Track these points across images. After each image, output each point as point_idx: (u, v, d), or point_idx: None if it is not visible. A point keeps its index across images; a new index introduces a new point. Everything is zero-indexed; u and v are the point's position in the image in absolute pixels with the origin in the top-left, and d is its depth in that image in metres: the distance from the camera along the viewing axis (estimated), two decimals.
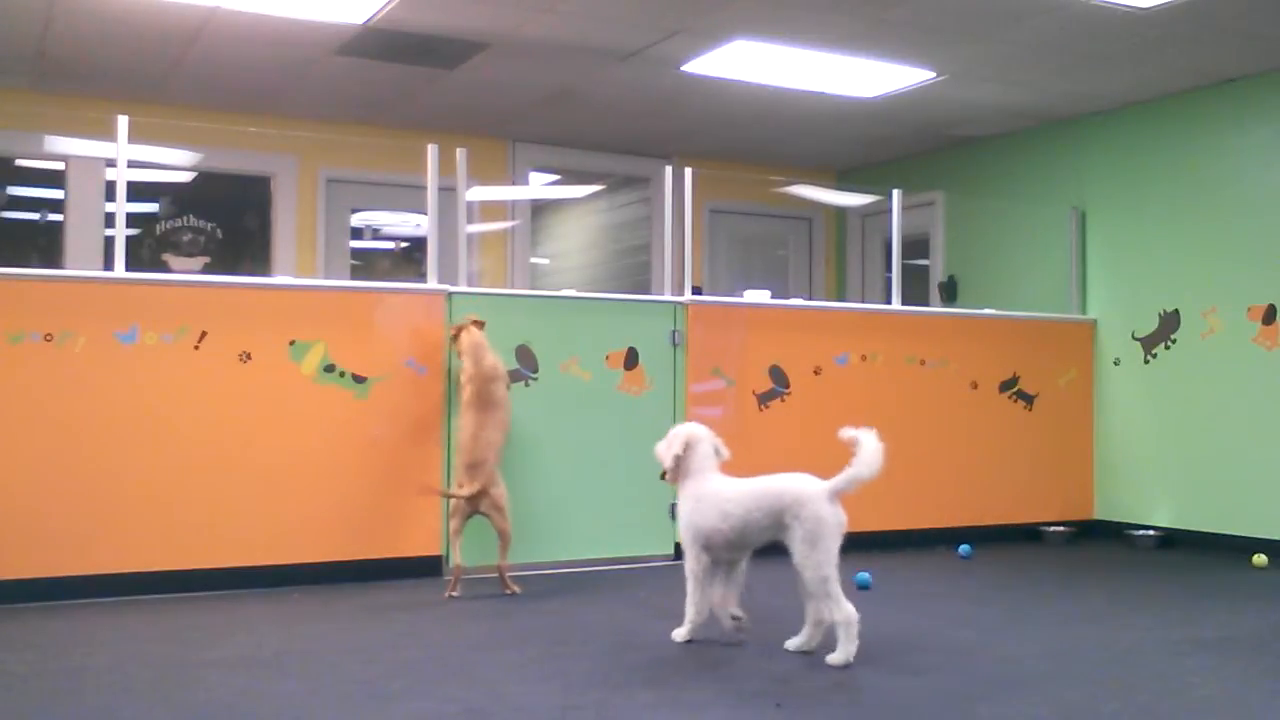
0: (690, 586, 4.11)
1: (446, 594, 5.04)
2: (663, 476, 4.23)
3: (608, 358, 5.97)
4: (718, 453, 4.16)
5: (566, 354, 5.87)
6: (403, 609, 4.78)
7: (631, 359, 6.02)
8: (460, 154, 5.80)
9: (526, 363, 5.76)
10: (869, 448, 3.78)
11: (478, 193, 8.02)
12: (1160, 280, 7.04)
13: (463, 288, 5.75)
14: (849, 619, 3.73)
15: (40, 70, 6.73)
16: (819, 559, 3.75)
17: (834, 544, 3.76)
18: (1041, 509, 7.20)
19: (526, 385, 5.75)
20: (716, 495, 4.02)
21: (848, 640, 3.73)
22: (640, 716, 3.19)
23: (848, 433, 3.84)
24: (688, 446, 4.12)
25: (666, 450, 4.15)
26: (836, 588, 3.75)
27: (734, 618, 4.12)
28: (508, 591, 5.09)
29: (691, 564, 4.08)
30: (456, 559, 5.09)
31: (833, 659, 3.74)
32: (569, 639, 4.22)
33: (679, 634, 4.15)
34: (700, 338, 6.22)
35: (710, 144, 8.56)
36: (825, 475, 3.89)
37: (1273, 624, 4.61)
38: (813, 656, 3.88)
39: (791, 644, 3.91)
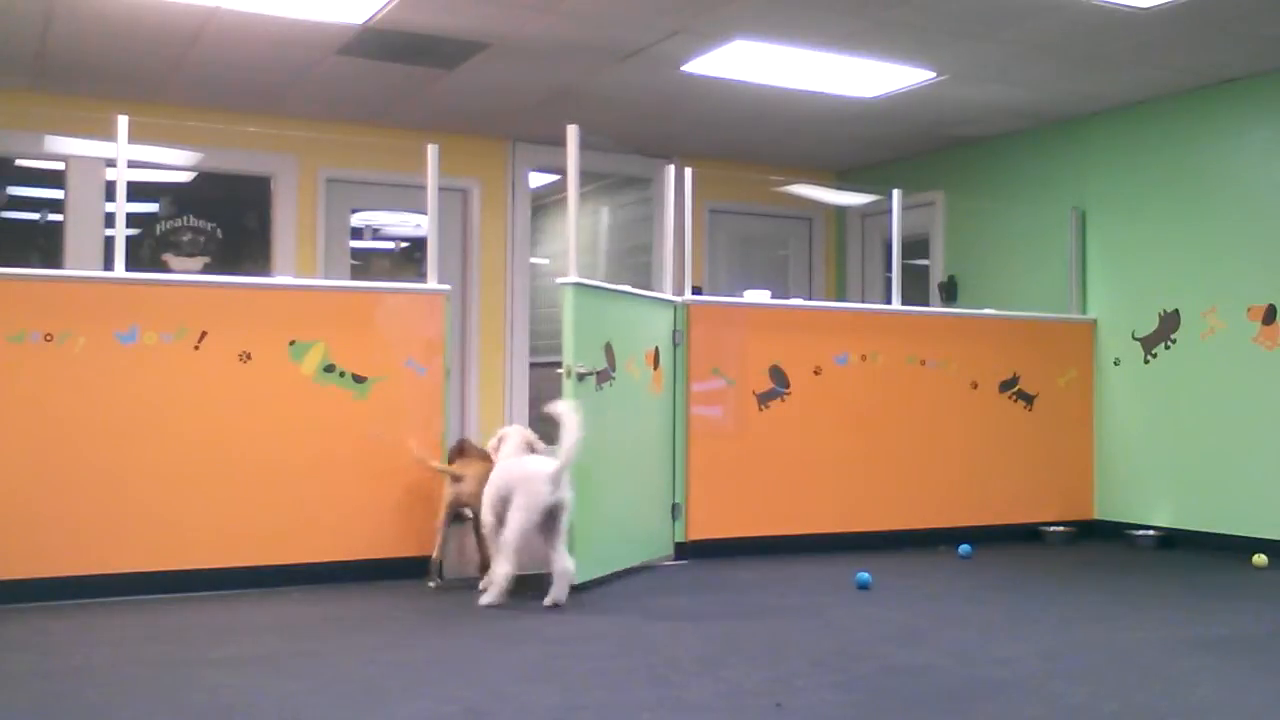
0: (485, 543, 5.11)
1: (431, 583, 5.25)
2: None
3: (646, 356, 5.87)
4: (532, 447, 5.11)
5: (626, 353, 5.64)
6: (402, 609, 4.78)
7: (657, 359, 5.94)
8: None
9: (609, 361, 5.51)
10: (567, 431, 4.65)
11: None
12: (1160, 280, 7.04)
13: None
14: (504, 576, 4.72)
15: (40, 70, 6.73)
16: (511, 522, 4.71)
17: (527, 516, 4.69)
18: (1041, 509, 7.20)
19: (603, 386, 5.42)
20: (497, 470, 5.00)
21: (497, 590, 4.73)
22: (640, 717, 3.20)
23: (552, 409, 4.73)
24: (501, 440, 5.14)
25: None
26: (510, 549, 4.71)
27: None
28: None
29: (483, 523, 5.02)
30: (436, 554, 5.26)
31: (483, 599, 4.76)
32: (569, 639, 4.22)
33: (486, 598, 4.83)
34: (700, 338, 6.22)
35: (710, 144, 8.56)
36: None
37: (1273, 624, 4.62)
38: (812, 653, 3.89)
39: (547, 600, 4.66)
